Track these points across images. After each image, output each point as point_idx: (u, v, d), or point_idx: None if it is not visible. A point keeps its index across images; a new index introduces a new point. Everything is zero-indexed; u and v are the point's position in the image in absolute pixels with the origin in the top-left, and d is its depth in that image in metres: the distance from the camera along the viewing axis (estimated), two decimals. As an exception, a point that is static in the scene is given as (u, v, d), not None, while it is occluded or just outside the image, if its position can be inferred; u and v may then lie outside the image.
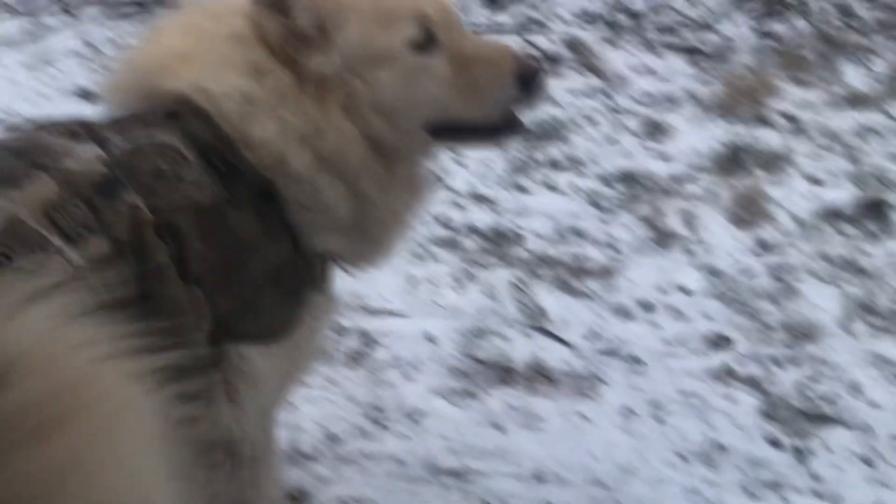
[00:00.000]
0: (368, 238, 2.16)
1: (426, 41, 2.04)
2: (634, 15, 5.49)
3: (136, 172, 1.80)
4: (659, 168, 4.30)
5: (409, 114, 2.06)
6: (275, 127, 1.94)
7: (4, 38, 5.98)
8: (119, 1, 6.20)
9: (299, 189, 1.98)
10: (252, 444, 2.14)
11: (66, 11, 6.12)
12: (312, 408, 3.02)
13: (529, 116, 4.47)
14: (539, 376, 3.21)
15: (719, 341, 3.33)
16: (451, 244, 3.87)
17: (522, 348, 3.32)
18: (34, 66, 5.54)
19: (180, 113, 1.94)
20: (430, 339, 3.36)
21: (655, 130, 4.57)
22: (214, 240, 1.85)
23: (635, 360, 3.25)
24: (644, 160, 4.36)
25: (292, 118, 1.96)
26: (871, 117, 4.69)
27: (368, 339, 3.36)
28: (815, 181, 4.20)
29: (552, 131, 4.57)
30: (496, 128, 2.16)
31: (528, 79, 2.09)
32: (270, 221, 1.97)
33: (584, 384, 3.17)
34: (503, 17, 5.52)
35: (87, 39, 5.81)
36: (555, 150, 4.45)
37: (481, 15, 5.58)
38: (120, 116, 2.01)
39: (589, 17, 5.45)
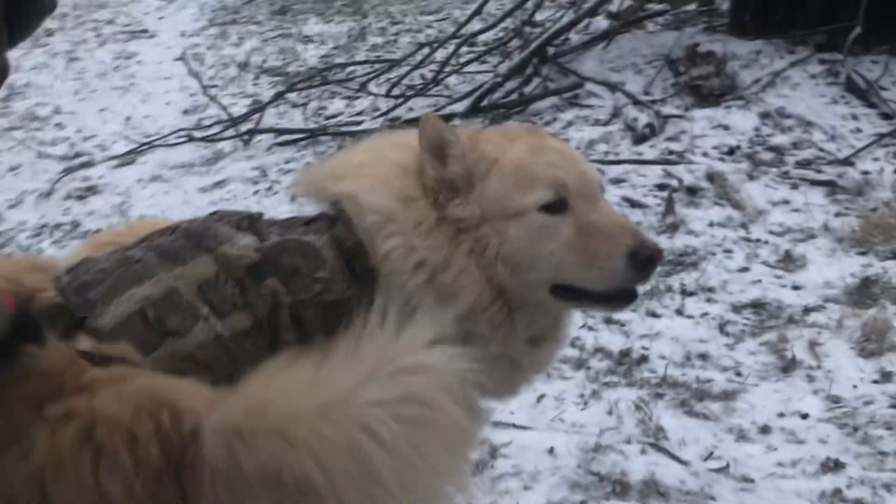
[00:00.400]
0: (484, 373, 2.35)
1: (558, 206, 2.22)
2: (775, 149, 5.62)
3: (278, 265, 2.09)
4: (789, 297, 4.39)
5: (531, 268, 2.23)
6: (399, 247, 2.18)
7: (186, 163, 6.51)
8: (288, 129, 6.67)
9: (411, 304, 2.16)
10: None
11: (241, 139, 6.61)
12: (432, 510, 3.20)
13: (667, 245, 4.68)
14: (652, 491, 3.31)
15: (832, 465, 3.38)
16: (579, 363, 4.04)
17: (639, 464, 3.43)
18: (209, 188, 6.00)
19: (336, 217, 2.23)
20: (551, 451, 3.51)
21: (789, 261, 4.67)
22: (337, 332, 2.07)
23: (746, 479, 3.33)
24: (775, 290, 4.46)
25: (420, 245, 2.18)
26: None
27: (492, 449, 3.53)
28: (944, 315, 4.23)
29: (687, 260, 4.73)
30: (608, 296, 2.28)
31: (642, 259, 2.20)
32: None
33: (695, 500, 3.27)
34: (646, 150, 5.74)
35: (257, 165, 6.26)
36: (688, 278, 4.60)
37: (625, 147, 5.81)
38: (289, 216, 2.34)
39: (730, 151, 5.61)
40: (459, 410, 1.83)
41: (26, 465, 1.71)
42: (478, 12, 7.83)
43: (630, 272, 2.21)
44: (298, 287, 2.09)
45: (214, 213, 2.33)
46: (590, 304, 2.37)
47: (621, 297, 2.29)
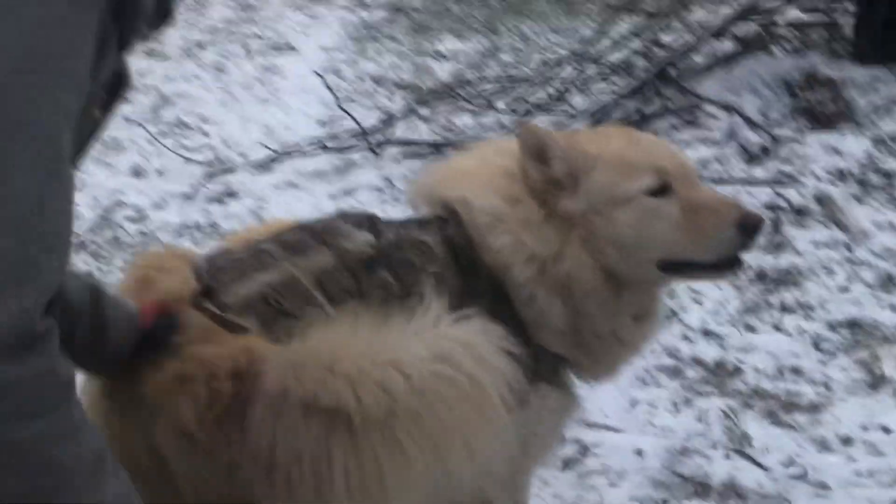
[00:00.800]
0: (588, 352, 2.58)
1: (661, 189, 2.46)
2: (886, 174, 5.70)
3: (393, 260, 2.37)
4: (886, 318, 4.51)
5: (641, 249, 2.47)
6: (510, 242, 2.44)
7: (319, 171, 6.86)
8: (416, 142, 6.99)
9: (520, 294, 2.45)
10: None
11: (371, 150, 6.95)
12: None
13: (771, 263, 4.84)
14: (732, 493, 3.50)
15: (908, 477, 3.53)
16: (674, 372, 4.24)
17: (722, 468, 3.61)
18: (337, 196, 6.34)
19: (447, 218, 2.50)
20: (639, 453, 3.72)
21: (889, 283, 4.79)
22: None
23: (822, 486, 3.49)
24: (873, 310, 4.58)
25: (529, 241, 2.44)
26: None
27: (583, 448, 3.76)
28: None
29: (789, 278, 4.88)
30: (717, 266, 2.53)
31: (749, 227, 2.46)
32: (501, 313, 2.40)
33: (772, 503, 3.45)
34: (758, 171, 5.88)
35: (385, 175, 6.58)
36: (788, 295, 4.75)
37: (737, 167, 5.97)
38: (406, 217, 2.62)
39: (841, 174, 5.71)
40: (497, 390, 2.06)
41: (143, 414, 2.02)
42: (603, 33, 8.06)
43: (738, 240, 2.46)
44: (412, 279, 2.35)
45: (339, 212, 2.63)
46: (698, 275, 2.67)
47: (729, 264, 2.53)
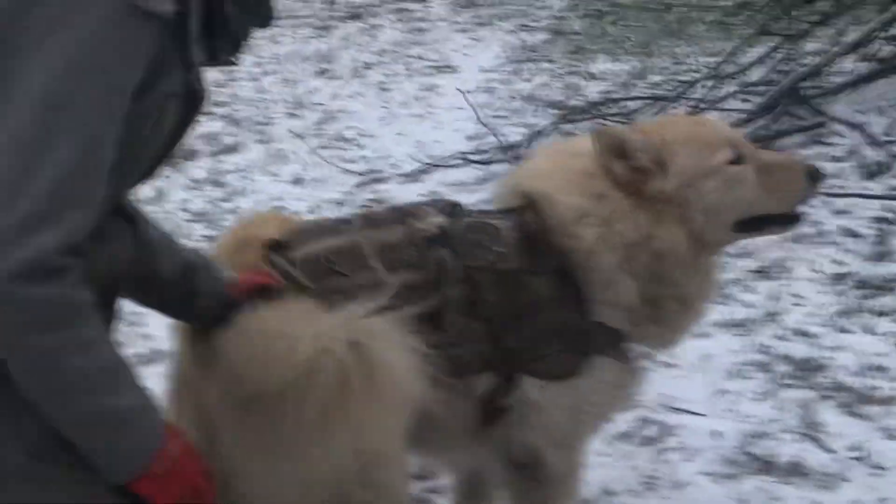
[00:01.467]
0: (662, 321, 2.87)
1: (739, 158, 2.81)
2: None
3: (463, 239, 2.71)
4: (978, 324, 4.72)
5: (726, 212, 2.80)
6: (596, 233, 2.72)
7: (460, 182, 7.35)
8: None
9: (596, 277, 2.75)
10: (553, 468, 2.87)
11: (511, 163, 7.38)
12: (600, 469, 3.81)
13: (872, 272, 5.08)
14: (795, 471, 3.80)
15: (965, 462, 3.76)
16: (764, 367, 4.53)
17: (790, 449, 3.89)
18: (478, 204, 6.77)
19: (525, 208, 2.81)
20: (716, 434, 4.04)
21: None
22: (506, 294, 2.68)
23: (879, 467, 3.75)
24: (966, 314, 4.80)
25: (620, 229, 2.73)
26: None
27: (666, 428, 4.11)
28: None
29: (888, 284, 5.11)
30: (788, 218, 2.92)
31: (816, 176, 2.85)
32: (565, 291, 2.73)
33: (831, 480, 3.72)
34: (873, 185, 6.10)
35: (521, 186, 6.99)
36: (886, 301, 4.99)
37: (854, 182, 6.20)
38: (490, 207, 2.98)
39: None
40: (399, 375, 2.28)
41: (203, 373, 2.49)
42: (733, 53, 8.34)
43: (810, 187, 2.86)
44: (477, 255, 2.69)
45: (432, 199, 3.00)
46: (771, 229, 3.00)
47: (797, 217, 2.92)
